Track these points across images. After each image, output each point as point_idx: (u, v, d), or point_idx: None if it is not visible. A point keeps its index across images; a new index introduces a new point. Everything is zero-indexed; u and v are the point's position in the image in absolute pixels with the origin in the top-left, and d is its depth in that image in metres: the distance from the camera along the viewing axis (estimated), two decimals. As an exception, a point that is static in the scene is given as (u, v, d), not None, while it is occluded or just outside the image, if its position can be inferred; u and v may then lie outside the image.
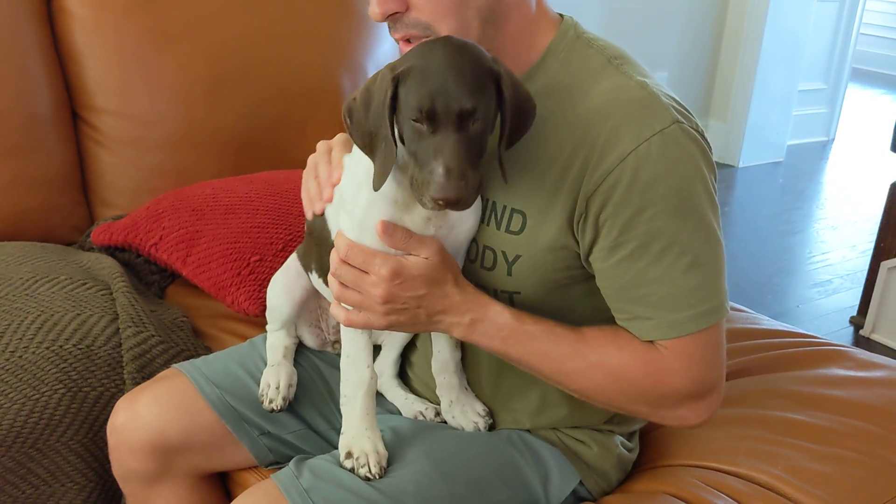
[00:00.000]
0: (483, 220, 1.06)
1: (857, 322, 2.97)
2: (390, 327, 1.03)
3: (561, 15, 1.09)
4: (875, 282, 2.87)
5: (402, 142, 0.94)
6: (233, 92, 1.90)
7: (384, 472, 1.04)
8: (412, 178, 0.91)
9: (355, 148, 1.07)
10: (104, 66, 1.83)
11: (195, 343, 1.48)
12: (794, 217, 4.08)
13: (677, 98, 1.02)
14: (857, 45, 5.28)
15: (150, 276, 1.69)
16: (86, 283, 1.49)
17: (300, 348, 1.31)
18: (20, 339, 1.33)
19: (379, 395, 1.26)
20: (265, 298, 1.31)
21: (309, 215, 1.16)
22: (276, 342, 1.28)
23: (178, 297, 1.66)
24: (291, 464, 1.07)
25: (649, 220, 0.96)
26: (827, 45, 5.09)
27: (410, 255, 1.00)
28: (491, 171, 1.01)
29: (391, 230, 0.99)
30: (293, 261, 1.26)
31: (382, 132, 0.92)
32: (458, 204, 0.89)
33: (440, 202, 0.88)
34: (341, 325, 1.09)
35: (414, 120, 0.89)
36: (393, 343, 1.26)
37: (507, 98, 0.92)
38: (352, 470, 1.04)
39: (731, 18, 4.58)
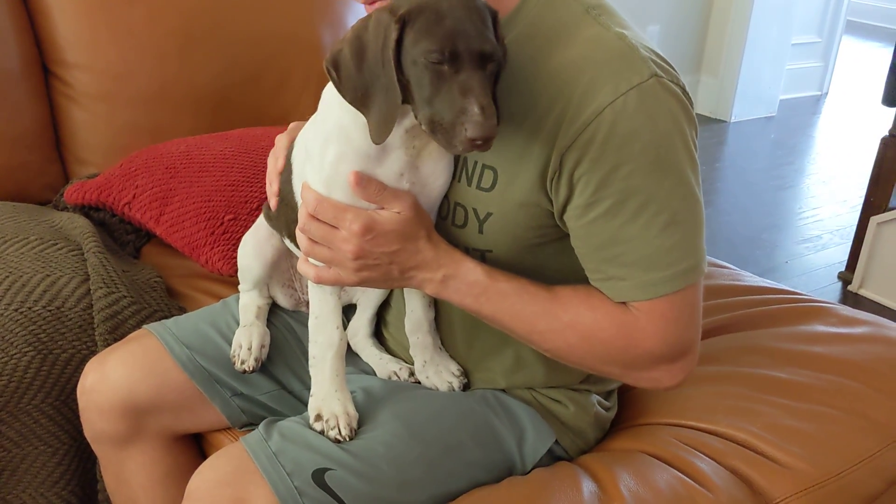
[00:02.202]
0: (455, 177, 1.03)
1: (846, 278, 2.96)
2: (362, 283, 1.01)
3: None
4: (864, 237, 2.85)
5: (403, 90, 0.89)
6: (206, 46, 1.85)
7: (354, 433, 1.03)
8: (433, 122, 0.87)
9: (322, 101, 1.04)
10: (73, 19, 1.78)
11: (169, 303, 1.45)
12: (786, 172, 4.05)
13: (658, 51, 0.98)
14: (853, -3, 5.21)
15: (124, 235, 1.66)
16: (56, 244, 1.46)
17: (273, 308, 1.29)
18: (-12, 301, 1.30)
19: (353, 355, 1.25)
20: (239, 258, 1.28)
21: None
22: (248, 302, 1.25)
23: (153, 257, 1.63)
24: (261, 426, 1.05)
25: (626, 177, 0.93)
26: (821, -2, 5.02)
27: (382, 209, 0.98)
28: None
29: (364, 182, 0.96)
30: (263, 220, 1.23)
31: (383, 80, 0.88)
32: (490, 143, 0.85)
33: (478, 142, 0.84)
34: (309, 286, 1.07)
35: (434, 62, 0.85)
36: (368, 302, 1.24)
37: (501, 38, 0.90)
38: (321, 432, 1.02)
39: (724, -29, 4.50)
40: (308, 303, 1.27)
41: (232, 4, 1.89)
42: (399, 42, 0.87)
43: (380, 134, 0.89)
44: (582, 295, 1.01)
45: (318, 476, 0.98)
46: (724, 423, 1.17)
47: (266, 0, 1.96)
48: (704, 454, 1.12)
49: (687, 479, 1.07)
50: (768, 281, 1.56)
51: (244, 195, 1.54)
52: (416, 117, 0.90)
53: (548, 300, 1.01)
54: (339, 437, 1.01)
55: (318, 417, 1.03)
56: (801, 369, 1.25)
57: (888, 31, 7.07)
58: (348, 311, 1.27)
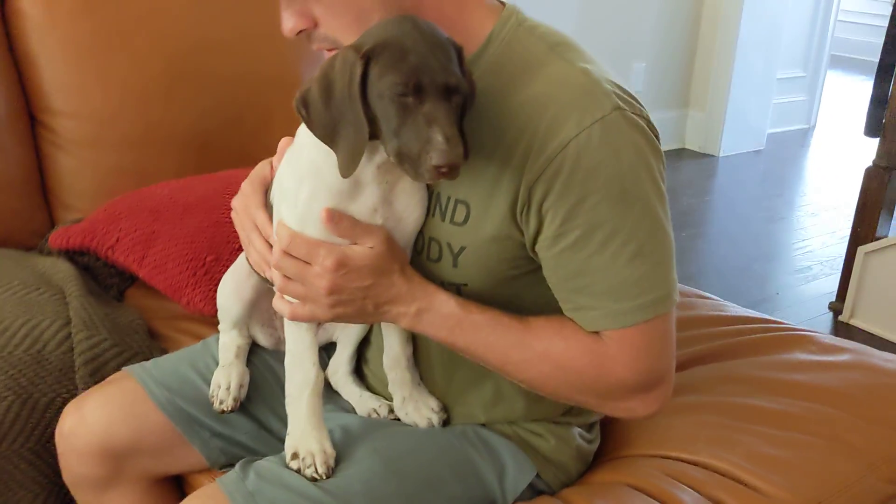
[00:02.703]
0: (429, 212, 1.04)
1: (836, 308, 2.96)
2: (336, 319, 1.01)
3: (502, 2, 1.07)
4: (852, 267, 2.86)
5: (371, 123, 0.90)
6: (190, 89, 1.87)
7: (332, 471, 1.02)
8: (400, 153, 0.88)
9: (296, 139, 1.05)
10: (59, 66, 1.80)
11: (151, 345, 1.45)
12: (776, 204, 4.08)
13: (623, 85, 1.00)
14: (835, 32, 5.27)
15: (108, 279, 1.66)
16: (39, 289, 1.46)
17: (254, 347, 1.28)
18: (-33, 347, 1.30)
19: (334, 393, 1.25)
20: (220, 298, 1.28)
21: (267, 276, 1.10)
22: (228, 342, 1.25)
23: (137, 300, 1.63)
24: (237, 466, 1.05)
25: (592, 209, 0.94)
26: (805, 32, 5.10)
27: (356, 244, 0.98)
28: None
29: (336, 218, 0.97)
30: (243, 260, 1.23)
31: (350, 116, 0.89)
32: (456, 170, 0.86)
33: (443, 169, 0.85)
34: (285, 323, 1.07)
35: (400, 94, 0.86)
36: (347, 339, 1.24)
37: (466, 72, 0.91)
38: (298, 471, 1.02)
39: (708, 7, 4.57)
40: (288, 342, 1.28)
41: (214, 47, 1.91)
42: (364, 78, 0.88)
43: (347, 167, 0.90)
44: (555, 325, 1.01)
45: (295, 515, 0.97)
46: (705, 453, 1.16)
47: (247, 42, 1.98)
48: (687, 485, 1.12)
49: (669, 510, 1.06)
50: (751, 311, 1.56)
51: (226, 234, 1.55)
52: (385, 150, 0.91)
53: (521, 331, 1.01)
54: (315, 475, 1.01)
55: (295, 456, 1.03)
56: (780, 397, 1.25)
57: (872, 65, 7.15)
58: (329, 349, 1.27)
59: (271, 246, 1.04)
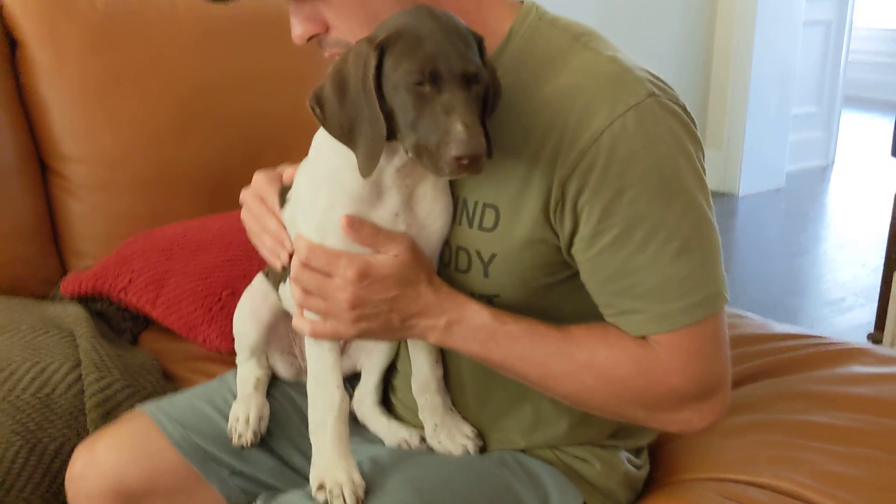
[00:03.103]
0: (455, 220, 0.97)
1: (876, 338, 2.84)
2: (360, 335, 0.94)
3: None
4: (889, 294, 2.75)
5: (388, 119, 0.84)
6: (203, 128, 1.84)
7: (361, 503, 0.94)
8: (418, 147, 0.82)
9: (312, 146, 1.00)
10: (68, 110, 1.77)
11: (165, 386, 1.38)
12: (800, 239, 3.99)
13: (654, 73, 0.94)
14: (847, 71, 5.25)
15: (121, 323, 1.60)
16: (48, 332, 1.40)
17: (274, 380, 1.21)
18: (-27, 391, 1.24)
19: (360, 426, 1.17)
20: (238, 332, 1.21)
21: (277, 265, 1.06)
22: (246, 374, 1.18)
23: (151, 343, 1.57)
24: (259, 500, 0.97)
25: (630, 203, 0.88)
26: (817, 68, 5.07)
27: (379, 253, 0.92)
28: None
29: (357, 224, 0.90)
30: (259, 282, 1.17)
31: (366, 112, 0.83)
32: (479, 163, 0.80)
33: (464, 161, 0.78)
34: (306, 343, 1.00)
35: (416, 83, 0.81)
36: (372, 367, 1.17)
37: (487, 63, 0.86)
38: (325, 503, 0.93)
39: (719, 45, 4.56)
40: (309, 371, 1.20)
41: (228, 85, 1.88)
42: (379, 70, 0.83)
43: (367, 166, 0.84)
44: (597, 332, 0.93)
45: (323, 551, 0.89)
46: (767, 474, 1.07)
47: (262, 84, 1.95)
48: (749, 508, 1.02)
49: (734, 534, 0.97)
50: (797, 327, 1.48)
51: (243, 270, 1.49)
52: (403, 148, 0.85)
53: (561, 340, 0.93)
54: (344, 507, 0.92)
55: (321, 487, 0.94)
56: (842, 412, 1.16)
57: (886, 103, 7.12)
58: (353, 379, 1.20)
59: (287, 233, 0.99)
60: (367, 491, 0.96)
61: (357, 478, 0.95)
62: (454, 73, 0.81)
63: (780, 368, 1.30)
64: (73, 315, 1.47)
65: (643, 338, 0.91)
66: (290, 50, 1.97)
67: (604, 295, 0.93)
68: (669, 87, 0.93)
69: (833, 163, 5.33)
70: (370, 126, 0.83)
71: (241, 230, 1.58)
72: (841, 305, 3.19)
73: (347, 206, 0.92)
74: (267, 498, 0.97)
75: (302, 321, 0.96)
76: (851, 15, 5.09)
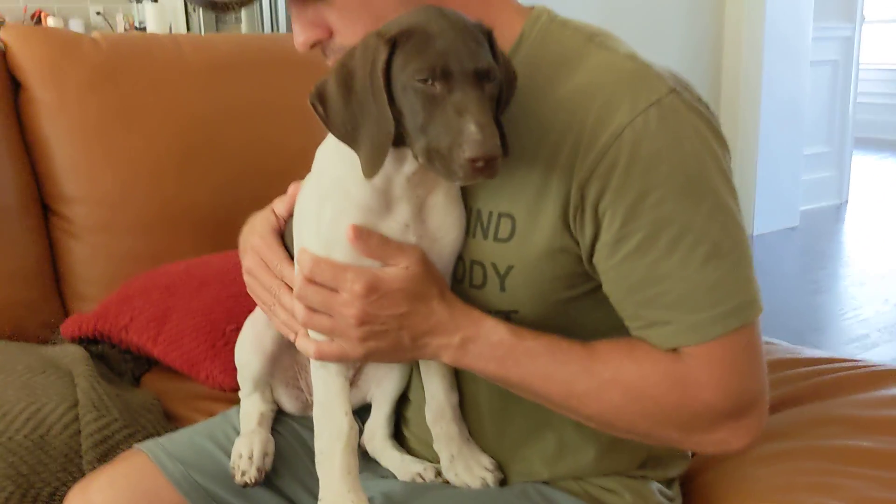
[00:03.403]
0: (468, 233, 0.92)
1: (905, 373, 2.75)
2: (368, 356, 0.88)
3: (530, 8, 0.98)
4: (917, 327, 2.68)
5: (396, 123, 0.79)
6: (205, 167, 1.79)
7: (373, 539, 0.87)
8: (429, 151, 0.76)
9: (315, 160, 0.95)
10: (71, 150, 1.74)
11: (166, 426, 1.31)
12: (819, 277, 3.91)
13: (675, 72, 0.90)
14: (856, 113, 5.24)
15: (123, 365, 1.54)
16: (45, 372, 1.34)
17: (279, 415, 1.14)
18: (-38, 433, 1.17)
19: (371, 461, 1.10)
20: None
21: (292, 338, 0.97)
22: (249, 409, 1.12)
23: (153, 384, 1.50)
24: (263, 539, 0.90)
25: (655, 205, 0.82)
26: (826, 108, 5.06)
27: (388, 266, 0.86)
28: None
29: (365, 235, 0.85)
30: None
31: (372, 108, 0.78)
32: (494, 165, 0.74)
33: (478, 163, 0.73)
34: (311, 368, 0.94)
35: (424, 81, 0.76)
36: (384, 397, 1.10)
37: (499, 56, 0.81)
38: (334, 540, 0.86)
39: (726, 87, 4.56)
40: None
41: (230, 121, 1.84)
42: (388, 68, 0.78)
43: (371, 168, 0.79)
44: (623, 347, 0.87)
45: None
46: (808, 503, 0.99)
47: (264, 121, 1.91)
48: (792, 539, 0.94)
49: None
50: (828, 352, 1.40)
51: (247, 305, 1.41)
52: (413, 154, 0.80)
53: (584, 356, 0.87)
54: (354, 543, 0.85)
55: (329, 523, 0.87)
56: (881, 436, 1.09)
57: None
58: (362, 413, 1.13)
59: None
60: (380, 527, 0.89)
61: (368, 512, 0.88)
62: (466, 71, 0.76)
63: (814, 394, 1.23)
64: (71, 355, 1.41)
65: (674, 351, 0.85)
66: (293, 86, 1.96)
67: (629, 306, 0.86)
68: (691, 86, 0.88)
69: (847, 201, 5.28)
70: (376, 124, 0.78)
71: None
72: (865, 342, 3.10)
73: (355, 216, 0.86)
74: (271, 537, 0.90)
75: (306, 341, 0.90)
76: (858, 55, 5.09)
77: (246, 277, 1.06)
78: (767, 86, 4.46)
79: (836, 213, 5.10)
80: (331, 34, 0.90)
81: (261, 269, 1.01)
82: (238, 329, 1.35)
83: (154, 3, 4.42)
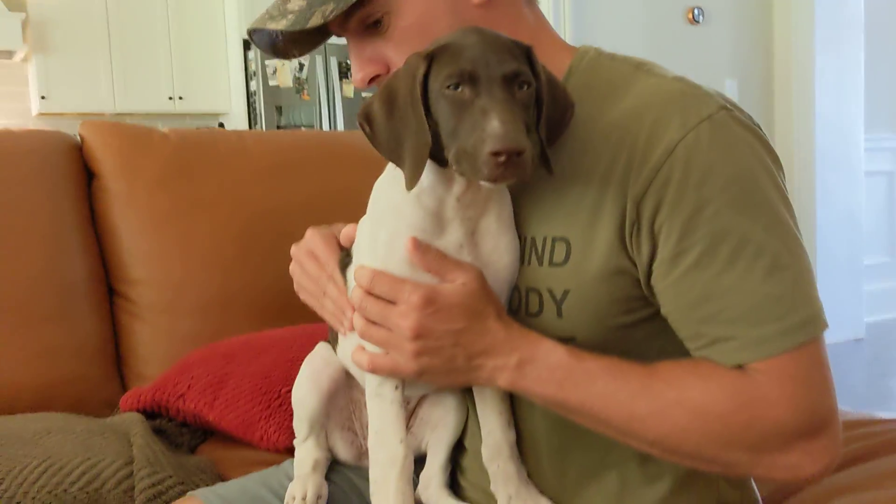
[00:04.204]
0: (523, 261, 0.92)
1: None
2: (422, 373, 0.87)
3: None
4: None
5: (434, 136, 0.81)
6: (266, 254, 1.83)
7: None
8: (458, 155, 0.78)
9: (373, 192, 0.97)
10: (139, 235, 1.80)
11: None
12: (891, 384, 3.75)
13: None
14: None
15: (179, 437, 1.54)
16: (104, 434, 1.35)
17: (333, 464, 1.13)
18: (20, 483, 1.17)
19: (426, 511, 1.06)
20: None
21: (342, 330, 1.00)
22: (304, 455, 1.10)
23: (208, 452, 1.49)
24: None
25: (712, 218, 0.82)
26: (884, 218, 4.99)
27: (445, 281, 0.86)
28: (526, 205, 0.91)
29: (423, 248, 0.86)
30: (320, 348, 1.11)
31: (412, 123, 0.81)
32: (520, 163, 0.75)
33: (500, 157, 0.74)
34: (367, 396, 0.93)
35: (454, 87, 0.79)
36: (439, 443, 1.08)
37: (539, 71, 0.83)
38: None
39: (780, 197, 4.54)
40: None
41: (292, 212, 1.89)
42: (426, 82, 0.81)
43: (412, 178, 0.81)
44: (687, 366, 0.85)
45: None
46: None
47: (327, 212, 1.97)
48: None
49: None
50: (888, 413, 1.34)
51: (304, 368, 1.43)
52: (449, 162, 0.81)
53: (646, 376, 0.85)
54: (411, 576, 0.82)
55: (385, 556, 0.84)
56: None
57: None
58: (418, 463, 1.10)
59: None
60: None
61: (424, 543, 0.85)
62: (493, 75, 0.79)
63: (883, 449, 1.16)
64: (129, 420, 1.42)
65: (739, 368, 0.82)
66: (350, 180, 2.03)
67: (690, 324, 0.85)
68: (740, 107, 0.89)
69: (914, 312, 5.12)
70: (415, 135, 0.81)
71: (304, 335, 1.56)
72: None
73: (410, 236, 0.88)
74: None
75: (361, 354, 0.90)
76: (913, 165, 5.07)
77: (293, 267, 1.08)
78: (822, 198, 4.44)
79: (904, 323, 4.94)
80: (388, 69, 0.95)
81: (308, 259, 1.04)
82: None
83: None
